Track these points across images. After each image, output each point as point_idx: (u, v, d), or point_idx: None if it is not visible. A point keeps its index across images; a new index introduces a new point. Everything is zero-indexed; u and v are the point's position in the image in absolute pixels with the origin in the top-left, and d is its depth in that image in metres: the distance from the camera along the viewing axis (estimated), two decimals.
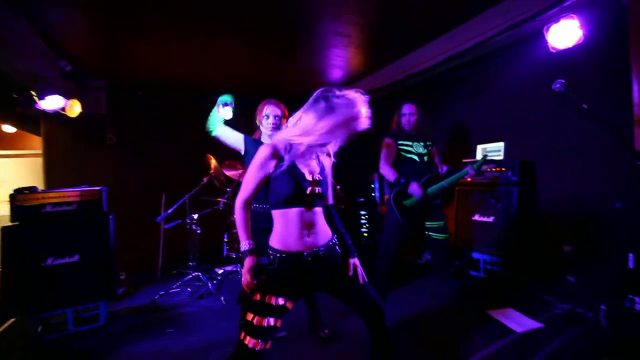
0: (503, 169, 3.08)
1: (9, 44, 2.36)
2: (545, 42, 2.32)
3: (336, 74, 4.21)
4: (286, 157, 1.37)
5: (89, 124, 3.84)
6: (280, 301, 1.33)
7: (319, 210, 1.44)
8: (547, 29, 2.28)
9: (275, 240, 1.40)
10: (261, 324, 1.29)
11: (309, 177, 1.39)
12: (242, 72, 3.95)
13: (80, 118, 3.50)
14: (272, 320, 1.31)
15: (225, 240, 3.70)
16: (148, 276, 3.81)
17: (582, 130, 2.71)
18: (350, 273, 1.46)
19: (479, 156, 3.49)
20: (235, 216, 1.40)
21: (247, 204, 1.39)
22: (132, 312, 2.86)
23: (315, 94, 1.36)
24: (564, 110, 2.80)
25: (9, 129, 4.85)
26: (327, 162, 1.52)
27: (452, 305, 2.70)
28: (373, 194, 4.78)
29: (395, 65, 3.77)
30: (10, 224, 2.41)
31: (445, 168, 2.91)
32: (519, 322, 2.30)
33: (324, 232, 1.44)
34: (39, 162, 4.51)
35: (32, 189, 2.54)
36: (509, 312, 2.46)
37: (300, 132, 1.34)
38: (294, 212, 1.37)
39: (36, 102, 2.93)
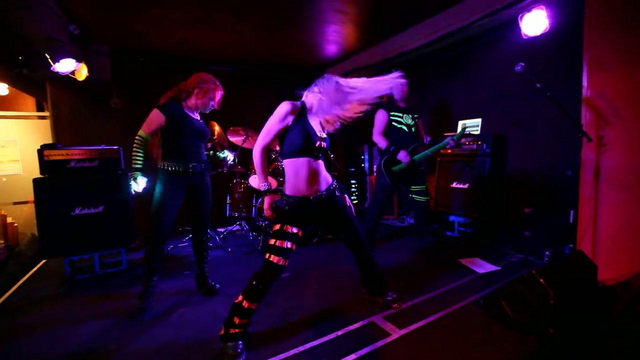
0: (479, 142, 3.51)
1: (31, 5, 2.49)
2: (520, 28, 2.66)
3: (332, 49, 4.43)
4: (302, 115, 1.72)
5: (94, 88, 3.97)
6: (294, 230, 1.74)
7: (321, 162, 1.82)
8: (522, 17, 2.62)
9: (288, 189, 1.78)
10: (282, 246, 1.69)
11: (318, 134, 1.74)
12: (241, 43, 4.10)
13: (86, 82, 3.62)
14: (289, 244, 1.71)
15: (228, 201, 4.02)
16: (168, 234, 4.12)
17: (545, 108, 3.12)
18: (347, 203, 1.92)
19: (459, 130, 3.90)
20: (254, 160, 1.73)
21: (265, 150, 1.73)
22: None
23: (327, 76, 1.71)
24: (531, 91, 3.19)
25: (2, 91, 4.88)
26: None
27: (428, 256, 3.18)
28: (363, 165, 5.17)
29: (388, 43, 4.03)
30: (40, 176, 2.66)
31: (428, 139, 3.29)
32: (481, 266, 2.80)
33: (325, 179, 1.84)
34: (40, 123, 4.62)
35: (55, 145, 2.77)
36: (475, 260, 2.95)
37: (316, 99, 1.71)
38: (302, 161, 1.72)
39: (51, 65, 3.06)
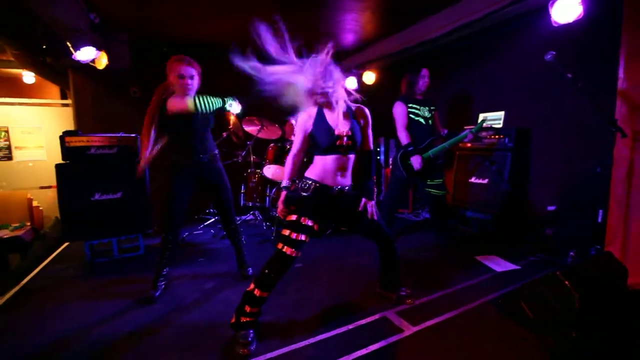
0: (501, 136, 3.36)
1: None
2: (549, 16, 2.50)
3: (349, 37, 4.32)
4: (318, 116, 1.71)
5: (114, 77, 4.03)
6: (310, 223, 1.71)
7: (352, 157, 1.79)
8: (552, 4, 2.46)
9: (312, 173, 1.76)
10: (296, 238, 1.67)
11: (337, 132, 1.70)
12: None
13: (106, 71, 3.68)
14: (303, 236, 1.69)
15: (243, 191, 4.04)
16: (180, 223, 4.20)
17: (573, 100, 2.95)
18: (360, 208, 1.84)
19: (479, 122, 3.75)
20: (286, 162, 1.80)
21: (296, 155, 1.79)
22: None
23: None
24: (559, 82, 3.02)
25: (29, 79, 5.04)
26: (365, 117, 1.83)
27: (444, 252, 3.10)
28: (378, 157, 5.08)
29: (407, 32, 3.88)
30: (62, 162, 2.73)
31: (445, 131, 3.19)
32: (499, 265, 2.71)
33: (350, 177, 1.82)
34: (64, 111, 4.76)
35: (77, 132, 2.84)
36: (493, 258, 2.86)
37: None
38: (330, 158, 1.73)
39: (72, 53, 3.12)
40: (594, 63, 2.78)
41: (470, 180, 3.65)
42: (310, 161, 1.84)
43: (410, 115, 3.03)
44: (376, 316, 1.94)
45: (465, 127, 3.68)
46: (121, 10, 3.37)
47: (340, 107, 1.74)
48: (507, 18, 3.13)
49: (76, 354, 1.67)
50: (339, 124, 1.72)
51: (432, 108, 3.11)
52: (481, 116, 3.80)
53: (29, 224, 3.83)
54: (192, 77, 2.13)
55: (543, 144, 3.31)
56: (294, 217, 1.71)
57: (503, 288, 2.27)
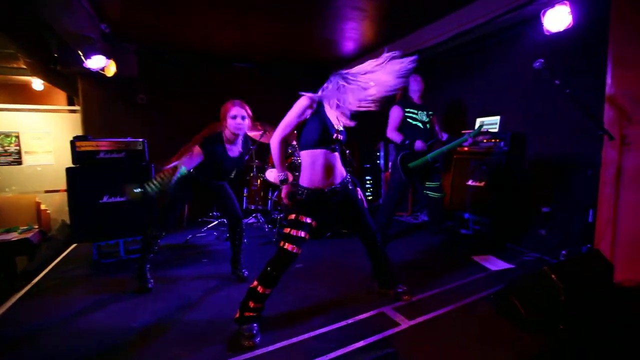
0: (497, 140, 3.46)
1: (69, 5, 2.66)
2: (541, 25, 2.62)
3: (350, 45, 4.46)
4: (320, 109, 1.79)
5: (121, 84, 4.16)
6: (308, 220, 1.81)
7: (337, 155, 1.89)
8: (544, 13, 2.58)
9: (304, 180, 1.85)
10: (297, 235, 1.77)
11: (335, 126, 1.81)
12: (262, 42, 4.21)
13: (114, 78, 3.82)
14: (302, 233, 1.79)
15: (245, 194, 4.14)
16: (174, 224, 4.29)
17: (567, 106, 3.03)
18: (360, 196, 2.01)
19: (476, 127, 3.84)
20: (272, 152, 1.82)
21: (283, 142, 1.81)
22: (170, 248, 3.36)
23: (339, 72, 1.77)
24: (553, 88, 3.12)
25: (38, 86, 5.19)
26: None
27: (441, 252, 3.19)
28: (378, 162, 5.19)
29: (405, 40, 4.02)
30: (72, 165, 2.84)
31: (445, 136, 3.28)
32: (494, 264, 2.79)
33: (340, 173, 1.92)
34: (71, 117, 4.89)
35: (86, 137, 2.95)
36: (488, 258, 2.94)
37: (330, 95, 1.79)
38: (319, 152, 1.80)
39: (83, 61, 3.25)
40: (584, 70, 2.88)
41: (467, 183, 3.74)
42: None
43: (408, 120, 3.13)
44: (374, 312, 2.03)
45: (464, 132, 3.78)
46: (130, 21, 3.52)
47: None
48: (503, 27, 3.27)
49: (88, 347, 1.75)
50: (335, 121, 1.84)
51: (430, 113, 3.21)
52: (478, 121, 3.90)
53: (36, 226, 3.93)
54: (243, 118, 2.28)
55: (538, 147, 3.40)
56: (293, 216, 1.81)
57: (497, 286, 2.33)
